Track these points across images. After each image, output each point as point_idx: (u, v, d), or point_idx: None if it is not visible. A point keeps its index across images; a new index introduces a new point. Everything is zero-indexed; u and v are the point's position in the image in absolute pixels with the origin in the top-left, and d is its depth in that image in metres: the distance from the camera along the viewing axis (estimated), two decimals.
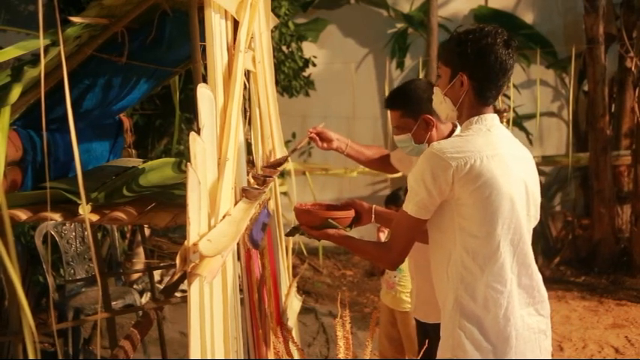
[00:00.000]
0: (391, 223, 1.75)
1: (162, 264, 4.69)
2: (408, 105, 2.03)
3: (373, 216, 1.86)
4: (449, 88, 1.66)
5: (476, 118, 1.63)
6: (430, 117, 1.97)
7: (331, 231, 1.78)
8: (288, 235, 1.94)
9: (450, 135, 2.01)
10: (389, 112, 2.14)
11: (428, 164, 1.57)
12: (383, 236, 3.05)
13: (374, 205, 1.88)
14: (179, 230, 5.43)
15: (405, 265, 2.88)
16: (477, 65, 1.60)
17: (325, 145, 2.36)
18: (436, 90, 1.72)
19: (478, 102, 1.64)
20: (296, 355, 1.87)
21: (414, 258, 2.14)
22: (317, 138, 2.35)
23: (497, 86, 1.63)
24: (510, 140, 1.66)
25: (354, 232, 1.84)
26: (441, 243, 1.64)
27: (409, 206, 1.61)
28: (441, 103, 1.70)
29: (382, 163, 2.47)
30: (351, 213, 1.84)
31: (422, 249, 1.79)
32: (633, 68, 5.56)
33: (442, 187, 1.55)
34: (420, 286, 2.16)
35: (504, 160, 1.57)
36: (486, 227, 1.55)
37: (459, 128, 1.95)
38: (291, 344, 1.87)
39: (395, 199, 3.09)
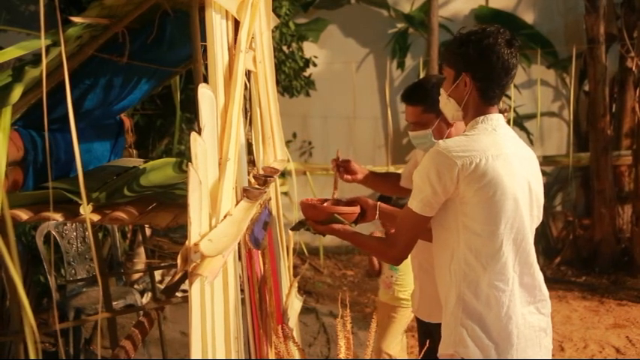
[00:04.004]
0: (395, 220, 1.75)
1: (163, 264, 4.70)
2: (430, 100, 1.98)
3: (377, 213, 1.87)
4: (453, 89, 1.67)
5: (482, 117, 1.64)
6: None
7: (336, 226, 1.80)
8: (293, 229, 1.95)
9: None
10: (406, 107, 2.09)
11: (433, 162, 1.58)
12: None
13: (378, 202, 1.90)
14: (180, 230, 5.44)
15: (403, 265, 2.90)
16: (480, 65, 1.60)
17: (350, 177, 2.25)
18: (442, 91, 1.73)
19: (482, 102, 1.65)
20: (297, 355, 1.87)
21: (418, 258, 2.15)
22: (341, 169, 2.24)
23: (500, 86, 1.63)
24: (515, 140, 1.67)
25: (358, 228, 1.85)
26: (445, 241, 1.65)
27: (414, 203, 1.62)
28: (446, 104, 1.72)
29: (391, 185, 2.44)
30: (357, 209, 1.86)
31: (426, 250, 1.80)
32: (634, 68, 5.56)
33: (447, 186, 1.56)
34: (423, 286, 2.16)
35: (509, 159, 1.58)
36: (490, 226, 1.56)
37: None
38: (292, 344, 1.87)
39: (385, 200, 3.09)
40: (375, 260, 3.18)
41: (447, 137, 1.98)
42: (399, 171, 2.50)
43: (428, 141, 2.03)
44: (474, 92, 1.64)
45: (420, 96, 2.05)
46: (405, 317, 2.99)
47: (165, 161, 2.43)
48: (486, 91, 1.63)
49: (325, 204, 1.94)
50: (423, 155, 1.86)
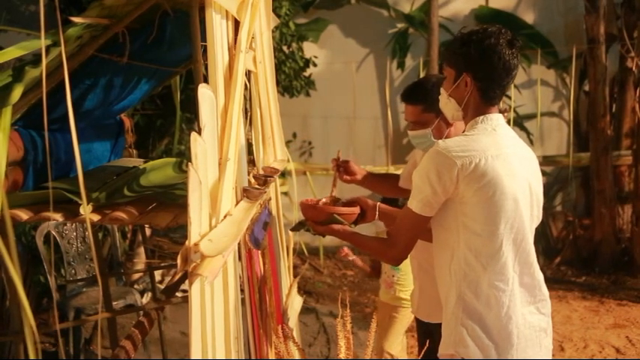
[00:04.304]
0: (395, 221, 1.75)
1: (163, 264, 4.70)
2: (430, 99, 1.97)
3: (377, 213, 1.87)
4: (453, 89, 1.67)
5: (481, 117, 1.64)
6: None
7: (336, 226, 1.80)
8: (293, 229, 1.95)
9: None
10: (406, 107, 2.08)
11: (433, 162, 1.58)
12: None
13: (378, 203, 1.90)
14: (180, 230, 5.44)
15: (403, 264, 2.90)
16: (481, 65, 1.60)
17: (349, 178, 2.27)
18: (442, 91, 1.73)
19: (483, 102, 1.65)
20: (297, 355, 1.87)
21: (418, 259, 2.14)
22: (340, 170, 2.25)
23: (501, 86, 1.63)
24: (515, 140, 1.67)
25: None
26: (445, 241, 1.65)
27: (413, 203, 1.62)
28: (446, 103, 1.72)
29: (390, 186, 2.44)
30: (357, 210, 1.86)
31: (426, 250, 1.80)
32: (634, 68, 5.56)
33: (447, 186, 1.56)
34: (423, 286, 2.16)
35: (509, 159, 1.58)
36: (489, 226, 1.56)
37: None
38: (292, 344, 1.87)
39: (390, 202, 3.09)
40: (363, 264, 3.18)
41: (446, 137, 1.98)
42: (399, 171, 2.50)
43: (427, 140, 2.03)
44: (475, 92, 1.64)
45: (420, 95, 2.04)
46: (406, 317, 2.99)
47: (165, 161, 2.43)
48: (487, 91, 1.63)
49: (323, 199, 1.95)
50: (422, 155, 1.86)
